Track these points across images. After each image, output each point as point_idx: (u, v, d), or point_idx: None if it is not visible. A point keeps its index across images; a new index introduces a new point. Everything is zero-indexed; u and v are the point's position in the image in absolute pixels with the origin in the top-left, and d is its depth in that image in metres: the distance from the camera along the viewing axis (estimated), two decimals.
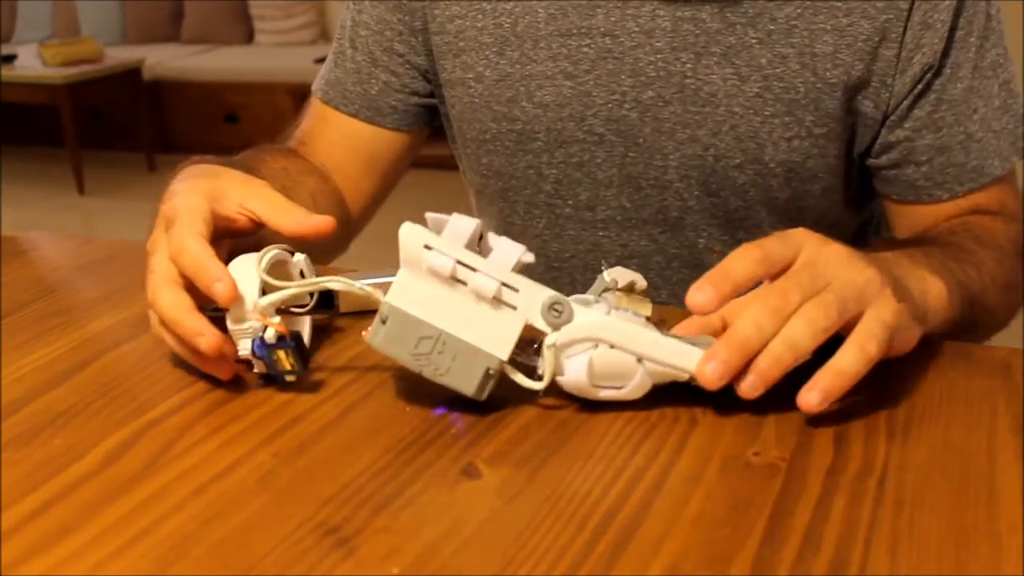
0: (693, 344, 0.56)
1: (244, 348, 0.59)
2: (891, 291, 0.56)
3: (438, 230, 0.56)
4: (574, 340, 0.55)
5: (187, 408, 0.59)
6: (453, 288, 0.55)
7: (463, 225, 0.56)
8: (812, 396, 0.54)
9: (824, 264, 0.56)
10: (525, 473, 0.51)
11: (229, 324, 0.59)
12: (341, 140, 0.91)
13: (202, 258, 0.58)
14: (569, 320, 0.55)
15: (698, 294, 0.54)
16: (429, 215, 0.57)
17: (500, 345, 0.55)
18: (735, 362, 0.54)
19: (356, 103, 0.90)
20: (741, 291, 0.55)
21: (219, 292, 0.57)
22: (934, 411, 0.57)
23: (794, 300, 0.54)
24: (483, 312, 0.55)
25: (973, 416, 0.56)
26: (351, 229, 0.94)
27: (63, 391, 0.61)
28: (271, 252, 0.60)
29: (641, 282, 0.61)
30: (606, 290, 0.60)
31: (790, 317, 0.54)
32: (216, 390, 0.60)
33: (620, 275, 0.60)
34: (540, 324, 0.55)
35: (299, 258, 0.63)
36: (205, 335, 0.57)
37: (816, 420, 0.55)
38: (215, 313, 0.59)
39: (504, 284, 0.55)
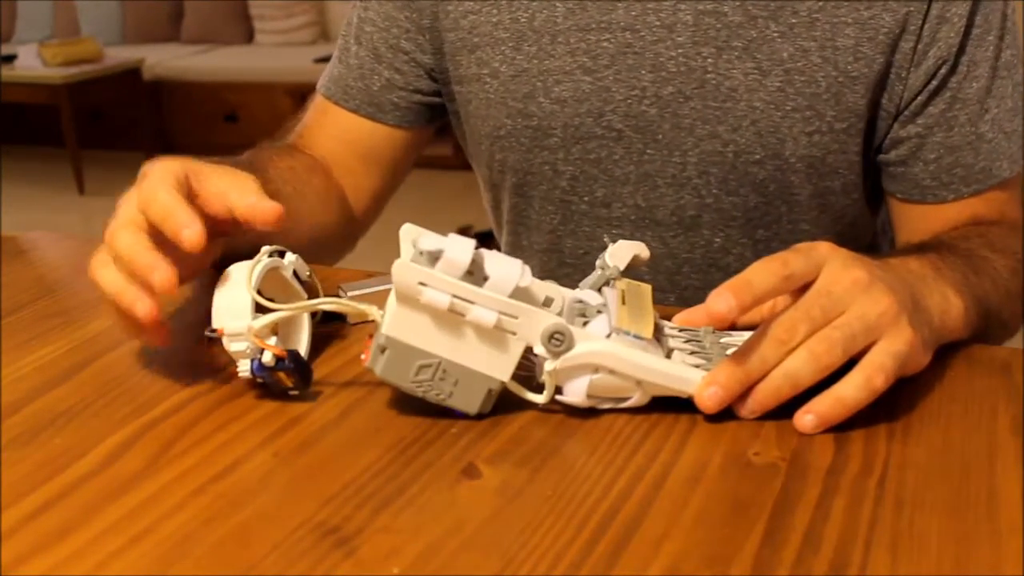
0: (695, 365, 0.56)
1: (244, 368, 0.58)
2: (907, 320, 0.56)
3: (433, 256, 0.55)
4: (573, 367, 0.55)
5: (187, 408, 0.59)
6: (451, 317, 0.54)
7: (458, 255, 0.54)
8: (808, 419, 0.54)
9: (841, 292, 0.55)
10: (525, 473, 0.51)
11: (226, 344, 0.58)
12: (340, 135, 0.90)
13: (172, 205, 0.57)
14: (570, 348, 0.54)
15: (719, 300, 0.53)
16: (423, 239, 0.56)
17: (501, 368, 0.55)
18: (735, 390, 0.54)
19: (357, 99, 0.89)
20: (760, 303, 0.55)
21: (187, 238, 0.56)
22: (934, 411, 0.57)
23: (801, 333, 0.54)
24: (482, 338, 0.55)
25: (973, 416, 0.56)
26: (355, 227, 0.93)
27: (63, 391, 0.61)
28: (261, 263, 0.59)
29: (644, 252, 0.61)
30: (607, 283, 0.59)
31: (795, 349, 0.54)
32: (216, 390, 0.60)
33: (622, 251, 0.60)
34: (540, 350, 0.55)
35: (291, 259, 0.63)
36: (159, 269, 0.55)
37: None
38: (212, 334, 0.58)
39: (503, 313, 0.54)
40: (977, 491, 0.49)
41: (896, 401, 0.57)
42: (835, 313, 0.55)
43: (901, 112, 0.79)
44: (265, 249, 0.61)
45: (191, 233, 0.56)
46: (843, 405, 0.54)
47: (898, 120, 0.80)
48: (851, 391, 0.54)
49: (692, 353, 0.57)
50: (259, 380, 0.58)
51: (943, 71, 0.77)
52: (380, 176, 0.93)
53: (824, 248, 0.57)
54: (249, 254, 0.61)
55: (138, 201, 0.59)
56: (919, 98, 0.78)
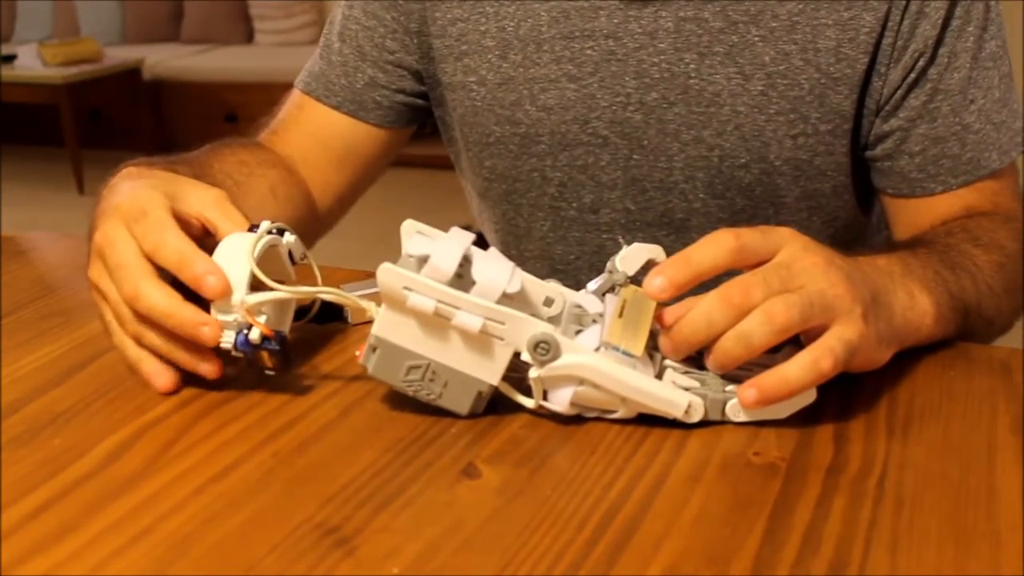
0: (686, 387, 0.55)
1: (227, 339, 0.57)
2: (860, 312, 0.55)
3: (421, 260, 0.55)
4: (558, 377, 0.55)
5: (187, 408, 0.59)
6: (438, 320, 0.54)
7: (444, 262, 0.54)
8: (750, 393, 0.54)
9: (800, 269, 0.55)
10: (525, 473, 0.51)
11: (214, 312, 0.57)
12: (316, 131, 0.89)
13: (187, 251, 0.57)
14: (556, 357, 0.54)
15: (656, 279, 0.54)
16: (413, 241, 0.56)
17: (490, 372, 0.55)
18: (682, 350, 0.55)
19: (340, 95, 0.89)
20: (704, 279, 0.54)
21: (211, 286, 0.56)
22: (934, 411, 0.57)
23: (756, 297, 0.53)
24: (470, 342, 0.55)
25: (973, 416, 0.56)
26: (319, 225, 0.91)
27: (63, 391, 0.61)
28: (263, 239, 0.59)
29: (660, 257, 0.60)
30: (612, 288, 0.59)
31: (748, 313, 0.53)
32: (216, 390, 0.60)
33: (635, 255, 0.59)
34: (526, 356, 0.54)
35: (289, 239, 0.62)
36: (209, 324, 0.56)
37: (816, 420, 0.55)
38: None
39: (489, 319, 0.54)
40: (977, 490, 0.49)
41: (896, 401, 0.57)
42: (794, 285, 0.54)
43: (882, 108, 0.79)
44: (266, 225, 0.60)
45: (215, 281, 0.56)
46: (786, 383, 0.53)
47: (879, 115, 0.79)
48: (796, 371, 0.53)
49: (685, 373, 0.56)
50: (239, 354, 0.57)
51: (921, 63, 0.77)
52: (352, 174, 0.92)
53: (785, 231, 0.57)
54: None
55: (144, 246, 0.58)
56: (898, 92, 0.78)
